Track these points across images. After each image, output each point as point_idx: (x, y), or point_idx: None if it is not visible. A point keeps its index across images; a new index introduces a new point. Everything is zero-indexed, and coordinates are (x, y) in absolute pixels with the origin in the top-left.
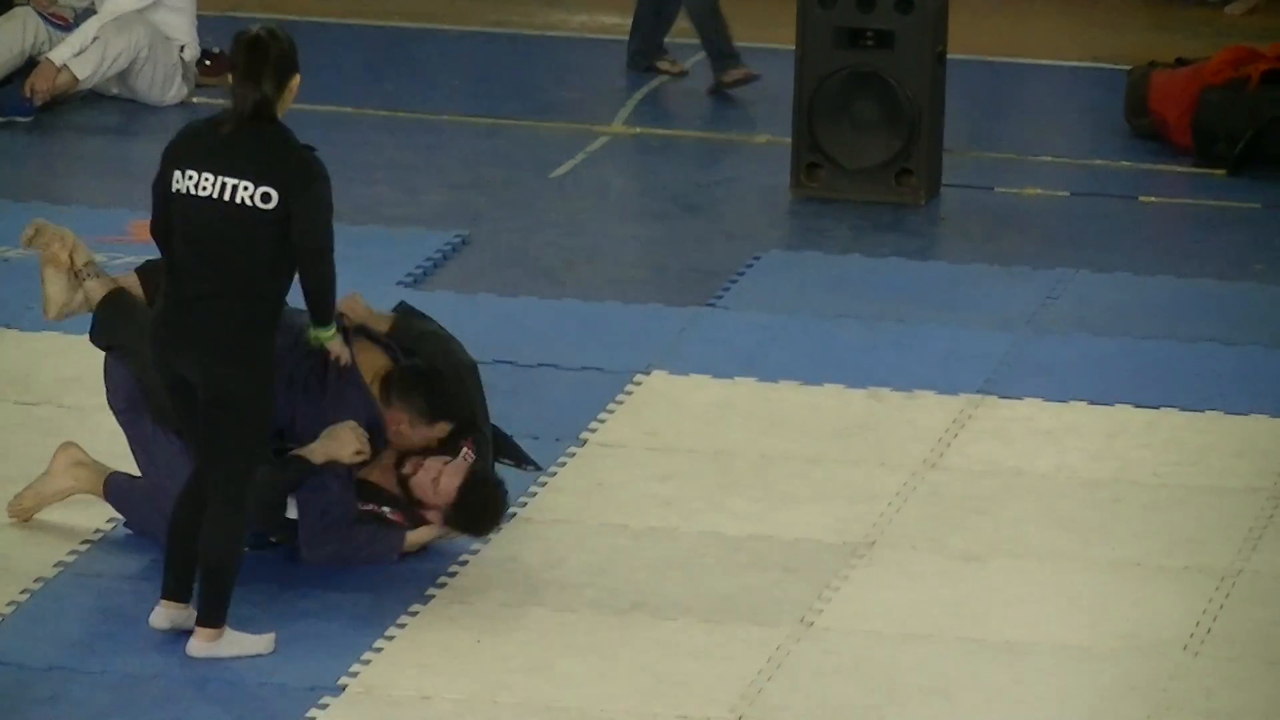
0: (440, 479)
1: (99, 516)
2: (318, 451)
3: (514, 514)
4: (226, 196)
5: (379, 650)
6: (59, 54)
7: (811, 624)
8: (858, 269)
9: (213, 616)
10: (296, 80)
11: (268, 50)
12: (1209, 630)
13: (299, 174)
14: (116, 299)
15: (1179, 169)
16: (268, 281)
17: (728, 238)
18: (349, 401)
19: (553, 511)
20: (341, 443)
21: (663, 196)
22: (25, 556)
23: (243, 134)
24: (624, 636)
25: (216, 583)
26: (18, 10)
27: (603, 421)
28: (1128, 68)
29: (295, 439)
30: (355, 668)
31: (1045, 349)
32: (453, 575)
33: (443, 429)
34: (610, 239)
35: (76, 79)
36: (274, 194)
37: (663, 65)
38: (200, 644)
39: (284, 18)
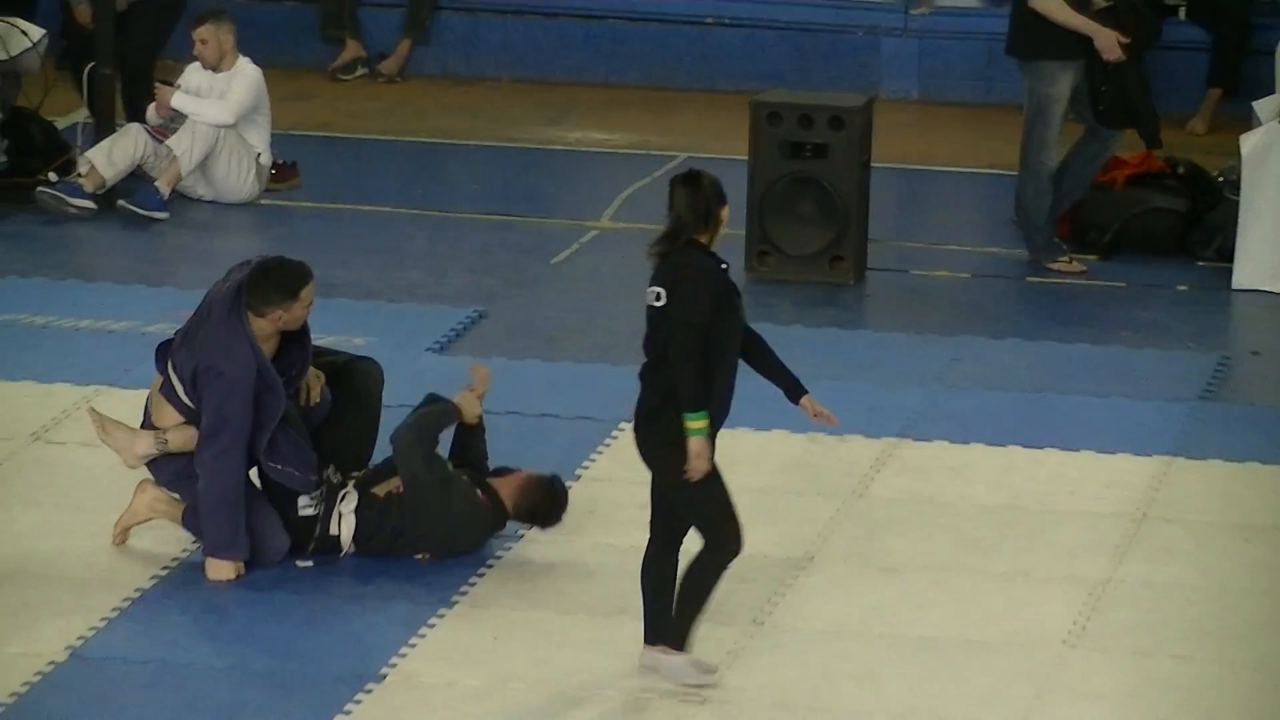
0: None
1: (185, 539)
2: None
3: (521, 535)
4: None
5: (413, 646)
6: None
7: (762, 623)
8: (800, 337)
9: (670, 635)
10: (725, 211)
11: (698, 185)
12: (1084, 628)
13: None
14: None
15: None
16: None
17: None
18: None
19: (553, 533)
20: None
21: (642, 279)
22: (126, 572)
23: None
24: (611, 635)
25: (683, 610)
26: (131, 127)
27: (594, 461)
28: (1017, 173)
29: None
30: (394, 660)
31: (951, 401)
32: (472, 585)
33: (307, 294)
34: (600, 313)
35: (176, 157)
36: (663, 294)
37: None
38: (651, 654)
39: (334, 135)
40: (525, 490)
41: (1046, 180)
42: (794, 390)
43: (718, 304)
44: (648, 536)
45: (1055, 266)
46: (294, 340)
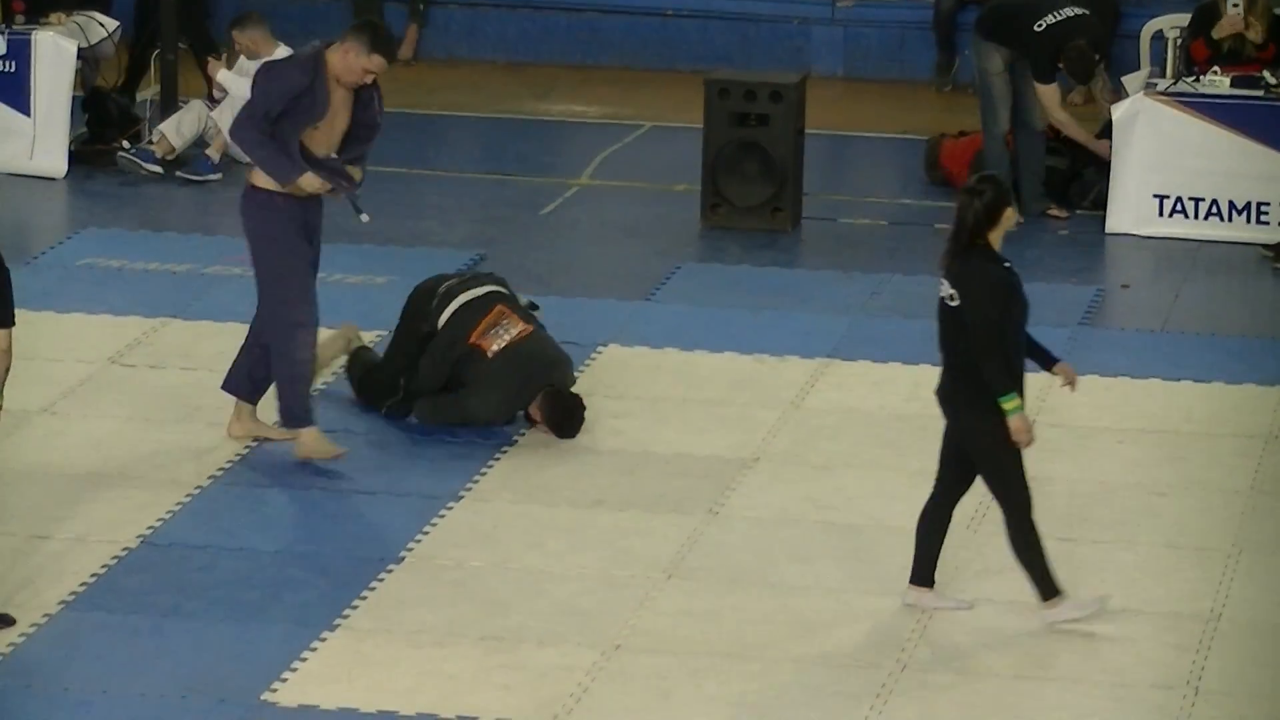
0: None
1: (237, 445)
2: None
3: (515, 440)
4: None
5: (427, 533)
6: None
7: (717, 513)
8: (746, 275)
9: (1041, 590)
10: (1008, 212)
11: (975, 196)
12: (984, 515)
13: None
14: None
15: None
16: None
17: (659, 254)
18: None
19: (543, 440)
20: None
21: (615, 227)
22: (187, 472)
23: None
24: (590, 523)
25: (1030, 569)
26: (195, 103)
27: (575, 378)
28: (926, 137)
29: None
30: (411, 544)
31: (872, 328)
32: (475, 482)
33: (378, 61)
34: (581, 256)
35: (221, 130)
36: (956, 296)
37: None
38: (1044, 612)
39: None
40: (557, 403)
41: (1000, 140)
42: (1047, 360)
43: (1005, 300)
44: (933, 488)
45: (1051, 213)
46: (363, 106)
